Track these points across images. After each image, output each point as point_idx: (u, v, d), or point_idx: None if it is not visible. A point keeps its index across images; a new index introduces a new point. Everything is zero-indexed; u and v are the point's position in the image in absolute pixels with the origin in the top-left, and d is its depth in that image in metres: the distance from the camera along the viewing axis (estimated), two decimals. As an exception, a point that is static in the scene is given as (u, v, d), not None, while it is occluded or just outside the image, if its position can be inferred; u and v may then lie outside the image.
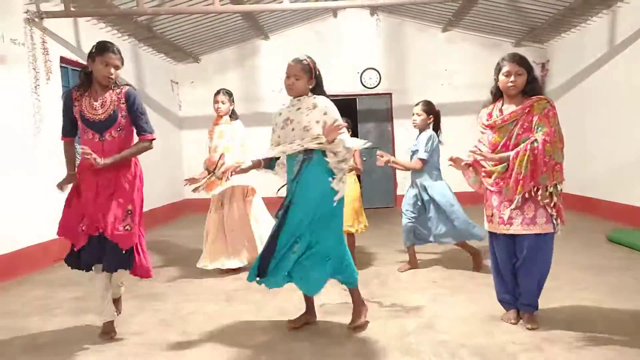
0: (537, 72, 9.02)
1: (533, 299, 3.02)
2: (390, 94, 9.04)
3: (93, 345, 3.00)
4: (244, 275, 4.50)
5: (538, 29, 7.74)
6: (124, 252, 2.89)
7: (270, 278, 2.97)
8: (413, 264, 4.52)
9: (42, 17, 5.26)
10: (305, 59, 3.01)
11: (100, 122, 2.85)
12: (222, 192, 4.50)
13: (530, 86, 2.93)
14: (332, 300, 3.58)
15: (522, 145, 2.83)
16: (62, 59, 5.74)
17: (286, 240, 2.93)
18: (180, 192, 8.74)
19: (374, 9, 8.65)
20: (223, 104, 4.53)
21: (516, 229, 2.93)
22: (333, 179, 2.93)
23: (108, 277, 3.02)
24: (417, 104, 4.43)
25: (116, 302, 3.22)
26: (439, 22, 8.68)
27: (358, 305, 3.12)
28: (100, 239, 2.87)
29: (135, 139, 3.02)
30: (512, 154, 2.85)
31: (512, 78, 2.91)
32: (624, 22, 6.24)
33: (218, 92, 4.58)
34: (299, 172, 2.95)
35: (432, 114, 4.39)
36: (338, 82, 7.98)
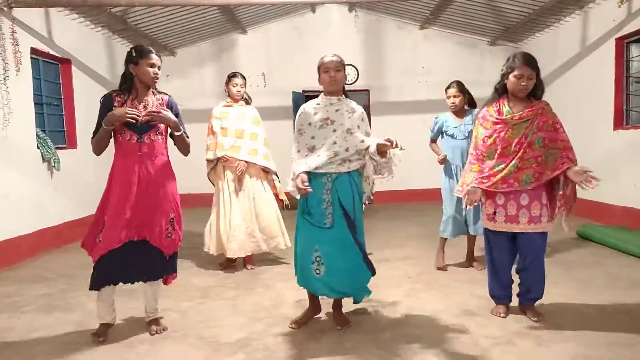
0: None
1: (541, 292, 3.13)
2: (368, 91, 9.06)
3: (64, 341, 2.95)
4: (220, 272, 4.49)
5: (513, 28, 7.86)
6: (167, 258, 2.96)
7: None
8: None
9: (11, 6, 5.09)
10: (338, 55, 3.02)
11: (141, 124, 2.85)
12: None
13: (537, 89, 2.99)
14: (306, 295, 3.58)
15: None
16: (33, 50, 5.58)
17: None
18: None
19: (352, 5, 8.65)
20: (242, 87, 4.47)
21: (523, 227, 3.00)
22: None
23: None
24: (449, 87, 4.22)
25: (156, 321, 3.11)
26: (416, 19, 8.73)
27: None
28: (137, 246, 2.86)
29: (170, 146, 3.04)
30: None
31: (524, 82, 2.93)
32: (595, 23, 6.39)
33: (235, 75, 4.50)
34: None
35: (467, 93, 4.23)
36: (316, 77, 7.92)
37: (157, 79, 2.90)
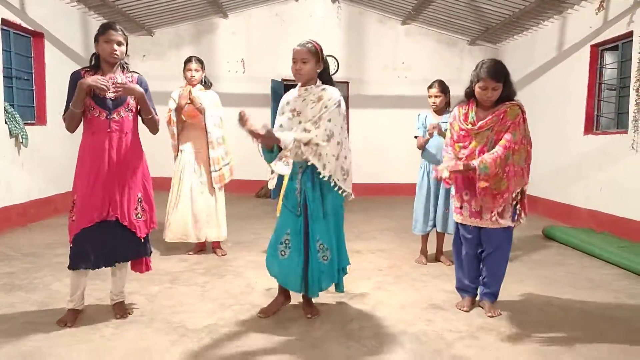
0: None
1: (496, 288, 3.21)
2: (347, 83, 9.06)
3: (25, 321, 2.88)
4: (190, 257, 4.45)
5: (492, 29, 7.96)
6: (141, 240, 2.91)
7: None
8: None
9: (-18, -27, 4.89)
10: (310, 42, 2.91)
11: (110, 100, 2.81)
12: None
13: (505, 93, 3.01)
14: (276, 284, 3.58)
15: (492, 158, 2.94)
16: (4, 21, 5.38)
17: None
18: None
19: (335, -4, 8.63)
20: (197, 71, 4.39)
21: (486, 222, 3.09)
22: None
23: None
24: (431, 86, 4.22)
25: (122, 305, 3.07)
26: (398, 14, 8.76)
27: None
28: (111, 227, 2.81)
29: (140, 125, 2.98)
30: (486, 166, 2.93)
31: (488, 93, 2.98)
32: (572, 29, 6.53)
33: (190, 60, 4.41)
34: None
35: (448, 92, 4.24)
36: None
37: (117, 55, 2.83)
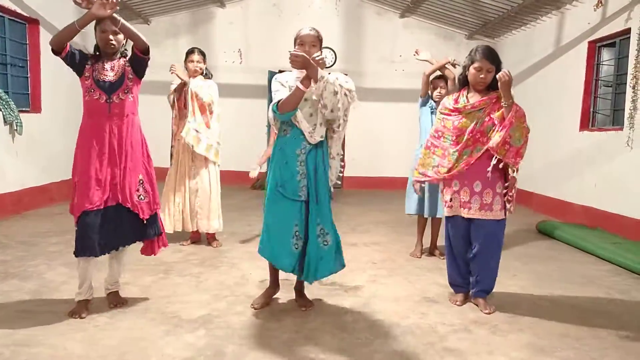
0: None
1: (490, 284, 3.19)
2: (345, 75, 9.02)
3: (18, 309, 2.87)
4: (186, 248, 4.45)
5: (491, 24, 7.95)
6: (144, 222, 2.89)
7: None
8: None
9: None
10: (314, 29, 2.94)
11: (109, 82, 2.82)
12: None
13: (497, 81, 3.00)
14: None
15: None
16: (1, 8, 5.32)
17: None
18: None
19: (334, -13, 8.57)
20: (199, 63, 4.38)
21: (474, 213, 3.08)
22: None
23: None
24: (438, 79, 4.29)
25: (116, 294, 3.07)
26: (397, 7, 8.72)
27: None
28: (114, 211, 2.81)
29: (141, 108, 2.99)
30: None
31: (482, 75, 3.01)
32: (570, 25, 6.52)
33: (192, 51, 4.40)
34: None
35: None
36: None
37: (114, 44, 2.84)
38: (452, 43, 9.02)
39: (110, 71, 2.85)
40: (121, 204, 2.83)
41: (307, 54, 2.77)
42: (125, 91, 2.87)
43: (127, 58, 2.94)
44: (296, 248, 2.90)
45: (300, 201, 2.89)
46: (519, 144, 3.01)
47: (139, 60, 2.89)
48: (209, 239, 4.59)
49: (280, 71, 8.69)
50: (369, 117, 8.94)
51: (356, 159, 8.91)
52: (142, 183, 2.92)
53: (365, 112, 8.88)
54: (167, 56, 8.38)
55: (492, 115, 3.01)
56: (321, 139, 2.92)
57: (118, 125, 2.83)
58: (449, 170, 3.11)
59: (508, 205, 3.09)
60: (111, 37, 2.82)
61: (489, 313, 3.09)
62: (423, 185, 3.20)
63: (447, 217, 3.25)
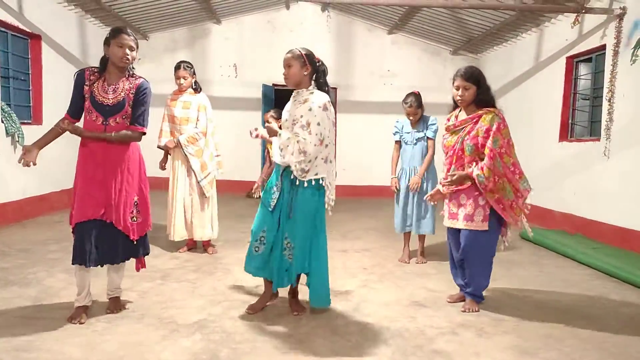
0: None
1: (476, 290, 3.23)
2: (335, 89, 9.06)
3: (19, 315, 2.82)
4: (182, 255, 4.41)
5: (474, 40, 8.03)
6: (134, 242, 2.87)
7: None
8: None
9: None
10: (295, 49, 2.96)
11: (108, 106, 2.75)
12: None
13: (479, 98, 3.08)
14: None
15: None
16: (2, 23, 5.29)
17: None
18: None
19: (325, 5, 8.60)
20: (185, 79, 4.33)
21: (459, 223, 3.16)
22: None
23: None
24: (407, 103, 4.22)
25: (116, 300, 3.04)
26: (385, 24, 8.79)
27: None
28: (106, 228, 2.78)
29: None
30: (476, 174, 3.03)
31: (460, 92, 3.08)
32: (548, 41, 6.60)
33: (179, 67, 4.35)
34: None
35: (422, 105, 4.28)
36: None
37: (128, 60, 2.75)
38: (439, 58, 9.10)
39: (111, 94, 2.76)
40: (114, 225, 2.80)
41: (285, 76, 2.94)
42: (124, 116, 2.80)
43: (136, 87, 2.82)
44: (256, 251, 2.95)
45: (272, 211, 2.93)
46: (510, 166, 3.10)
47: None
48: (205, 246, 4.56)
49: (274, 85, 8.75)
50: (359, 128, 8.97)
51: (347, 169, 8.91)
52: (136, 204, 2.88)
53: (355, 123, 8.95)
54: (164, 71, 8.36)
55: (470, 134, 3.08)
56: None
57: (113, 147, 2.77)
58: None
59: (506, 235, 3.26)
60: (127, 51, 2.73)
61: (464, 311, 3.15)
62: (434, 202, 3.44)
63: (447, 227, 3.31)
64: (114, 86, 2.79)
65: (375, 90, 9.05)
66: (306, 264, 2.93)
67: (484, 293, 3.34)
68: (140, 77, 2.90)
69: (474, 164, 3.07)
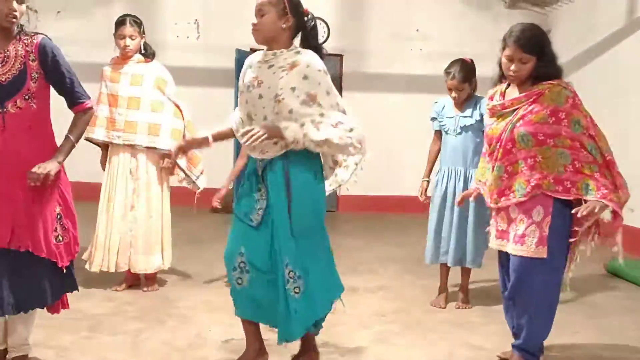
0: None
1: (528, 343, 3.17)
2: (340, 56, 9.09)
3: None
4: (120, 295, 4.41)
5: (541, -12, 8.06)
6: (64, 270, 2.88)
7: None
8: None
9: None
10: None
11: (1, 86, 2.73)
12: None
13: (543, 70, 3.05)
14: (237, 334, 3.56)
15: None
16: None
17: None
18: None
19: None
20: (132, 39, 4.35)
21: (505, 244, 3.15)
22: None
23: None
24: (449, 74, 4.26)
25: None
26: (413, -36, 8.84)
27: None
28: (12, 258, 2.77)
29: (59, 103, 2.95)
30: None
31: (513, 66, 3.03)
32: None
33: (123, 22, 4.36)
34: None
35: (474, 79, 4.33)
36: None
37: (13, 17, 2.73)
38: (488, 14, 9.13)
39: (0, 68, 2.74)
40: (31, 252, 2.78)
41: (254, 28, 2.94)
42: (26, 97, 2.79)
43: (37, 48, 2.80)
44: (239, 284, 2.96)
45: (255, 228, 2.96)
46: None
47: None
48: (148, 280, 4.57)
49: (252, 49, 8.74)
50: (375, 112, 8.92)
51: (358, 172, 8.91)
52: (60, 218, 2.89)
53: (370, 105, 8.88)
54: (96, 30, 8.38)
55: (524, 119, 3.03)
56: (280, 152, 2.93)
57: (17, 141, 2.76)
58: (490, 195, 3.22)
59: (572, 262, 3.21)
60: (15, 5, 2.71)
61: None
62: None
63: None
64: (2, 55, 2.76)
65: (399, 59, 9.07)
66: (329, 303, 3.04)
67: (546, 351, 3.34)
68: (35, 33, 2.88)
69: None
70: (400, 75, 9.06)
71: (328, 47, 9.26)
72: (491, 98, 3.24)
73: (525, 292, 3.11)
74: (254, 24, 2.94)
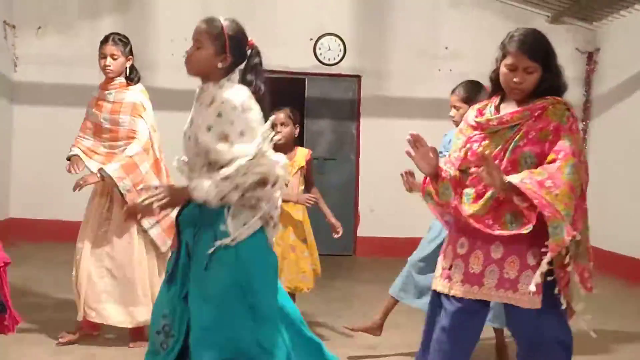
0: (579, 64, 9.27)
1: None
2: (358, 77, 9.12)
3: None
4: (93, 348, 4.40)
5: (587, 0, 8.09)
6: None
7: None
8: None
9: None
10: (218, 20, 3.01)
11: None
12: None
13: (549, 84, 2.96)
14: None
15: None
16: None
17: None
18: (2, 206, 8.45)
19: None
20: (114, 58, 4.39)
21: (487, 292, 2.91)
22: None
23: None
24: (453, 90, 4.43)
25: None
26: (441, -27, 8.94)
27: None
28: None
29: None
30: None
31: (517, 78, 2.93)
32: None
33: (105, 40, 4.44)
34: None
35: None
36: (281, 51, 7.92)
37: None
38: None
39: None
40: None
41: (187, 60, 3.02)
42: None
43: None
44: (164, 348, 2.91)
45: (169, 285, 2.95)
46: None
47: None
48: (132, 335, 4.54)
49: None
50: (396, 141, 8.87)
51: (376, 209, 8.90)
52: None
53: (391, 133, 8.87)
54: (80, 47, 8.46)
55: (528, 136, 2.90)
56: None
57: None
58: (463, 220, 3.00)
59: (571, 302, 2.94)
60: None
61: None
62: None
63: (438, 297, 3.08)
64: None
65: (425, 80, 9.08)
66: None
67: None
68: None
69: None
70: (426, 99, 9.06)
71: (343, 67, 9.43)
72: (480, 111, 3.08)
73: (549, 353, 2.92)
74: (187, 53, 3.00)
